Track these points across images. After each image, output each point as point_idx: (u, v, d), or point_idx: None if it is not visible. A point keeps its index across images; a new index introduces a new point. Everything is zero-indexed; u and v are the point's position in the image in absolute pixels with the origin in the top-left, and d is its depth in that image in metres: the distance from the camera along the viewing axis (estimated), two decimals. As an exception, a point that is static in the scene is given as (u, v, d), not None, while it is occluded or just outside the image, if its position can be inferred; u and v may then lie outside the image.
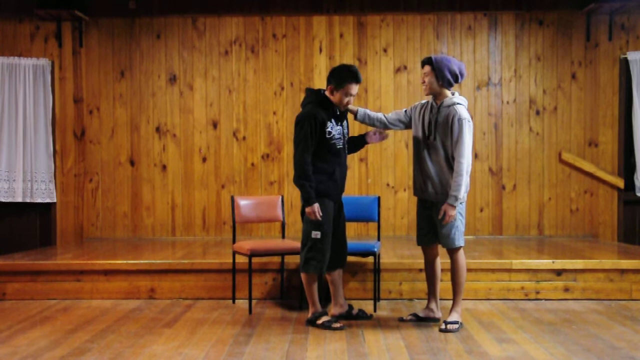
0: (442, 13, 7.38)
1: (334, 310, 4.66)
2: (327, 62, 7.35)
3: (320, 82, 7.34)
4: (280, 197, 5.49)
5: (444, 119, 4.29)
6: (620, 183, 7.22)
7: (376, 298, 5.06)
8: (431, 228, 4.48)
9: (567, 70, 7.35)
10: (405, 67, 7.37)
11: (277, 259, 5.36)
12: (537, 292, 5.35)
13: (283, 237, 5.57)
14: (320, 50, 7.38)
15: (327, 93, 4.44)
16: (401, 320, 4.63)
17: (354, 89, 4.38)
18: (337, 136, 4.43)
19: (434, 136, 4.34)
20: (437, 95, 4.38)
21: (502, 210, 7.35)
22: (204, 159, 7.42)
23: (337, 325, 4.39)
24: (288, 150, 7.35)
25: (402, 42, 7.40)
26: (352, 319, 4.64)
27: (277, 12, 7.39)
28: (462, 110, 4.27)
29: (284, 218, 5.48)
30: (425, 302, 5.20)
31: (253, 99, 7.41)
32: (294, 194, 7.34)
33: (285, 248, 5.08)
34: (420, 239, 4.58)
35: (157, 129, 7.43)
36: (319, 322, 4.43)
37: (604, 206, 7.31)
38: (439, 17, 7.38)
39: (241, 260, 5.23)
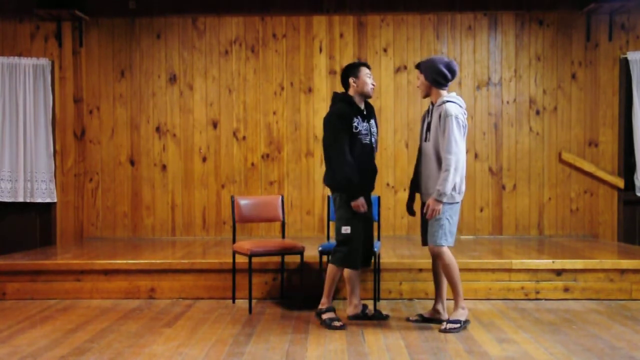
0: (442, 13, 7.38)
1: (348, 310, 4.66)
2: (327, 62, 7.35)
3: (320, 82, 7.36)
4: (280, 197, 5.48)
5: (437, 118, 4.32)
6: (620, 183, 7.22)
7: (376, 298, 5.06)
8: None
9: (567, 70, 7.35)
10: (405, 67, 7.37)
11: (277, 259, 5.36)
12: (537, 292, 5.35)
13: (283, 237, 5.57)
14: (320, 50, 7.38)
15: (350, 92, 4.55)
16: (408, 320, 4.60)
17: (368, 70, 4.56)
18: (363, 132, 4.49)
19: (429, 137, 4.37)
20: (432, 97, 4.44)
21: (502, 210, 7.35)
22: (204, 159, 7.42)
23: (338, 324, 4.40)
24: (288, 150, 7.36)
25: (402, 42, 7.40)
26: (367, 319, 4.62)
27: (277, 12, 7.40)
28: (450, 107, 4.27)
29: (284, 218, 5.48)
30: (425, 301, 5.22)
31: (253, 99, 7.41)
32: (293, 194, 7.34)
33: (285, 248, 5.08)
34: (422, 239, 4.59)
35: (157, 129, 7.43)
36: (324, 316, 4.47)
37: (604, 206, 7.31)
38: (439, 17, 7.38)
39: (241, 260, 5.23)
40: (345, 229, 4.45)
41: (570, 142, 7.34)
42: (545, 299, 5.33)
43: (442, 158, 4.24)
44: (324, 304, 4.55)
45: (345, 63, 7.32)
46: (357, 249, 4.48)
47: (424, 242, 4.54)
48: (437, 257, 4.39)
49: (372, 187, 4.65)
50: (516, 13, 7.37)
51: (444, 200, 4.23)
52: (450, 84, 4.45)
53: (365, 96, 4.57)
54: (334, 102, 4.60)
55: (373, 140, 4.58)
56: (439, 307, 4.56)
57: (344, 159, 4.38)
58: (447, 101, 4.31)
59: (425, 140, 4.41)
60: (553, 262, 5.36)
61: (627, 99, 7.30)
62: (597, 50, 7.32)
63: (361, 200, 4.41)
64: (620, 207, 7.30)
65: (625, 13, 7.24)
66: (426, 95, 4.47)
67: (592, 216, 7.33)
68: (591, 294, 5.34)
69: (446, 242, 4.32)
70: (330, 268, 4.55)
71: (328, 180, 4.56)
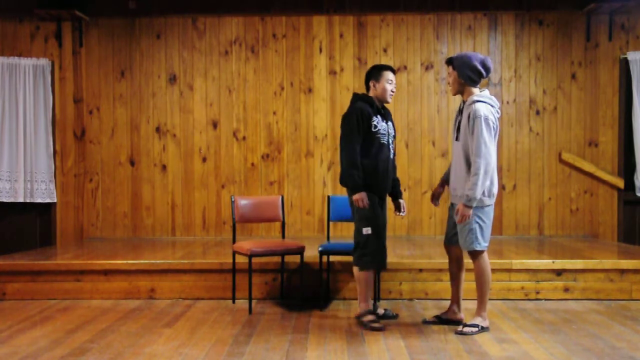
0: (442, 13, 7.38)
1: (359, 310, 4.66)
2: (327, 62, 7.35)
3: (320, 82, 7.35)
4: (280, 197, 5.49)
5: (466, 118, 4.19)
6: (620, 183, 7.22)
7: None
8: (453, 228, 4.43)
9: (567, 71, 7.35)
10: (405, 67, 7.37)
11: (277, 259, 5.36)
12: (537, 292, 5.35)
13: (283, 237, 5.57)
14: (320, 50, 7.38)
15: (370, 93, 4.56)
16: (424, 322, 4.56)
17: (391, 75, 4.54)
18: (382, 131, 4.48)
19: (459, 137, 4.27)
20: (463, 94, 4.30)
21: (502, 210, 7.35)
22: (204, 159, 7.42)
23: (377, 325, 4.37)
24: (288, 150, 7.36)
25: (402, 42, 7.40)
26: (379, 318, 4.60)
27: (277, 12, 7.40)
28: (480, 108, 4.11)
29: (284, 218, 5.48)
30: (425, 302, 5.23)
31: (253, 99, 7.41)
32: (293, 194, 7.34)
33: (285, 248, 5.08)
34: (445, 238, 4.55)
35: (157, 129, 7.43)
36: (364, 319, 4.43)
37: (604, 206, 7.31)
38: (439, 17, 7.39)
39: (241, 260, 5.23)
40: (367, 230, 4.40)
41: (570, 142, 7.34)
42: (545, 299, 5.33)
43: (471, 161, 4.14)
44: (362, 308, 4.49)
45: (345, 63, 7.37)
46: (379, 247, 4.47)
47: (447, 242, 4.51)
48: (473, 262, 4.30)
49: (385, 187, 4.58)
50: (516, 13, 7.37)
51: (474, 205, 4.14)
52: (482, 81, 4.31)
53: (383, 101, 4.57)
54: (354, 101, 4.58)
55: (390, 141, 4.56)
56: (454, 307, 4.53)
57: (353, 157, 4.38)
58: (478, 101, 4.16)
59: (456, 140, 4.31)
60: (553, 262, 5.36)
61: (627, 99, 7.30)
62: (597, 50, 7.32)
63: (362, 195, 4.37)
64: (620, 207, 7.30)
65: (625, 13, 7.25)
66: (457, 93, 4.32)
67: (592, 216, 7.33)
68: (591, 294, 5.34)
69: (479, 246, 4.23)
70: (359, 272, 4.46)
71: (340, 178, 4.55)
